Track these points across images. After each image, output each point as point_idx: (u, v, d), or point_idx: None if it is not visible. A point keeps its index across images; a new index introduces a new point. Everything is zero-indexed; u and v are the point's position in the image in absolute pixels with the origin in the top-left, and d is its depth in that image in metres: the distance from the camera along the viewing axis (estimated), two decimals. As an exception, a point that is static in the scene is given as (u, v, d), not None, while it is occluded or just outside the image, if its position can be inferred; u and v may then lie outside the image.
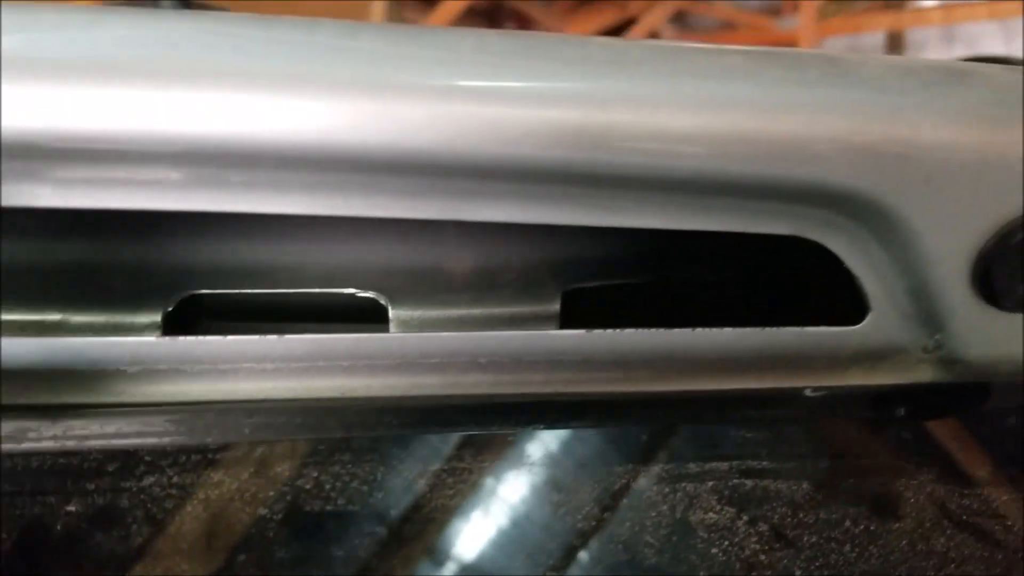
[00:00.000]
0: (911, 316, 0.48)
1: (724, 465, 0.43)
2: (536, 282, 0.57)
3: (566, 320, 0.56)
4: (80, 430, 0.42)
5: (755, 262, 0.55)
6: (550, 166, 0.41)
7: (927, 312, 0.48)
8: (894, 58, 0.46)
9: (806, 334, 0.48)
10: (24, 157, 0.38)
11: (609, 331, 0.46)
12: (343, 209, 0.41)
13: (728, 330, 0.47)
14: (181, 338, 0.42)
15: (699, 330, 0.47)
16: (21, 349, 0.42)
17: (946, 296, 0.47)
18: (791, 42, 3.33)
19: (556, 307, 0.57)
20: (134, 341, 0.42)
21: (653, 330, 0.46)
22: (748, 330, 0.47)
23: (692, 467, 0.43)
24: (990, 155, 0.45)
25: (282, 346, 0.43)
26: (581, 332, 0.46)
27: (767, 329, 0.47)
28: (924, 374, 0.49)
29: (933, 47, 3.72)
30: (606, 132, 0.41)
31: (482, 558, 0.43)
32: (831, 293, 0.50)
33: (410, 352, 0.45)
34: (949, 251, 0.46)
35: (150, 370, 0.42)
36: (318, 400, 0.44)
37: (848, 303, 0.48)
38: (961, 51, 3.65)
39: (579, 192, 0.43)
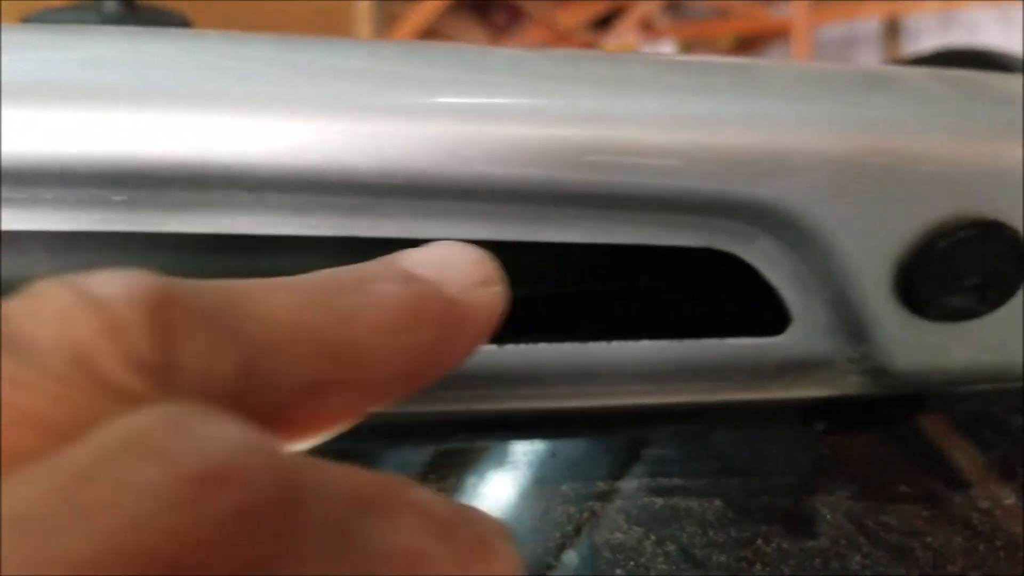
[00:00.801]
0: (835, 326, 0.47)
1: (634, 483, 0.42)
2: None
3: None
4: None
5: (677, 271, 0.54)
6: (454, 179, 0.41)
7: (851, 323, 0.47)
8: (808, 65, 0.45)
9: (726, 345, 0.47)
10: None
11: (522, 346, 0.45)
12: (302, 228, 0.41)
13: (645, 343, 0.46)
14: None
15: (615, 343, 0.46)
16: None
17: (869, 307, 0.46)
18: (784, 29, 3.31)
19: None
20: None
21: (568, 344, 0.46)
22: (665, 342, 0.46)
23: (601, 485, 0.42)
24: (907, 163, 0.44)
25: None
26: (492, 348, 0.45)
27: (685, 341, 0.46)
28: (850, 386, 0.49)
29: (930, 34, 3.69)
30: (506, 145, 0.40)
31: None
32: (755, 303, 0.49)
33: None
34: (869, 261, 0.45)
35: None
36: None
37: (773, 313, 0.47)
38: (958, 38, 3.62)
39: (480, 207, 0.42)
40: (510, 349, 0.45)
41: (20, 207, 0.38)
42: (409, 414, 0.45)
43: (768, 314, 0.47)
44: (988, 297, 0.46)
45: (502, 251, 0.55)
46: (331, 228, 0.42)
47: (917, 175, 0.44)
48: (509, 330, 0.46)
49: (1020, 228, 0.45)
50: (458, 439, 0.45)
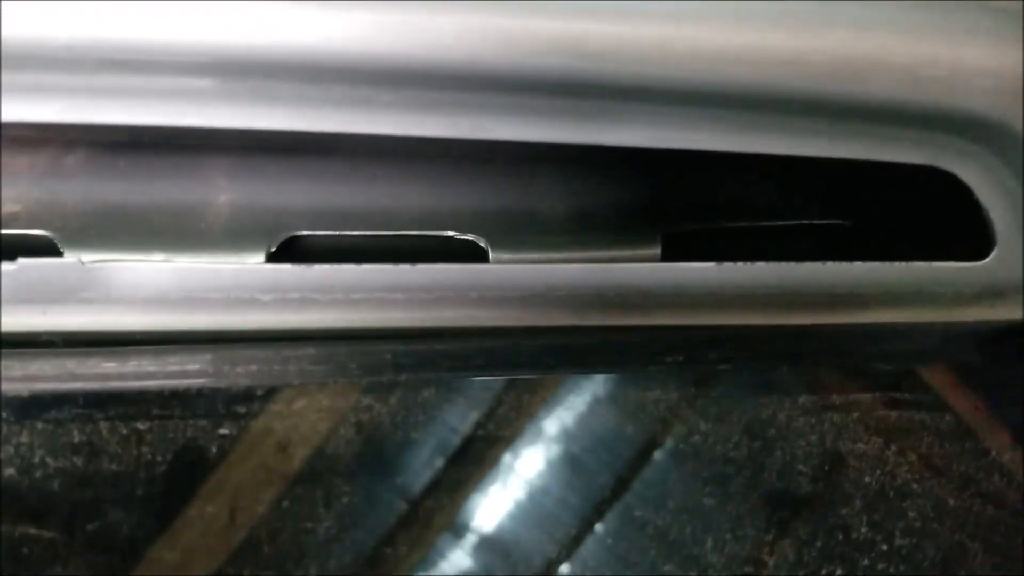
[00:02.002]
0: (1037, 251, 0.47)
1: (867, 397, 0.42)
2: (636, 225, 0.56)
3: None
4: (214, 363, 0.41)
5: (860, 203, 0.55)
6: (666, 85, 0.41)
7: (1054, 247, 0.47)
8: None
9: (930, 269, 0.47)
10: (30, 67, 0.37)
11: (739, 264, 0.45)
12: (392, 127, 0.40)
13: (858, 264, 0.46)
14: (316, 266, 0.41)
15: (829, 264, 0.46)
16: (136, 276, 0.40)
17: (1075, 230, 0.46)
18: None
19: (657, 250, 0.56)
20: (270, 268, 0.40)
21: (780, 264, 0.46)
22: (875, 264, 0.46)
23: (836, 399, 0.42)
24: None
25: (416, 275, 0.42)
26: (711, 265, 0.45)
27: (895, 264, 0.46)
28: (1048, 311, 0.49)
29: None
30: (719, 50, 0.40)
31: (591, 483, 0.42)
32: (941, 229, 0.49)
33: (538, 284, 0.44)
34: (1082, 183, 0.45)
35: (284, 299, 0.40)
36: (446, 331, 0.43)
37: (964, 239, 0.48)
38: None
39: (697, 114, 0.42)
40: (727, 267, 0.45)
41: (120, 97, 0.38)
42: (626, 334, 0.45)
43: (967, 241, 0.48)
44: None
45: (692, 184, 0.56)
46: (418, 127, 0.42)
47: None
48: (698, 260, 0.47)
49: None
50: (676, 359, 0.45)
